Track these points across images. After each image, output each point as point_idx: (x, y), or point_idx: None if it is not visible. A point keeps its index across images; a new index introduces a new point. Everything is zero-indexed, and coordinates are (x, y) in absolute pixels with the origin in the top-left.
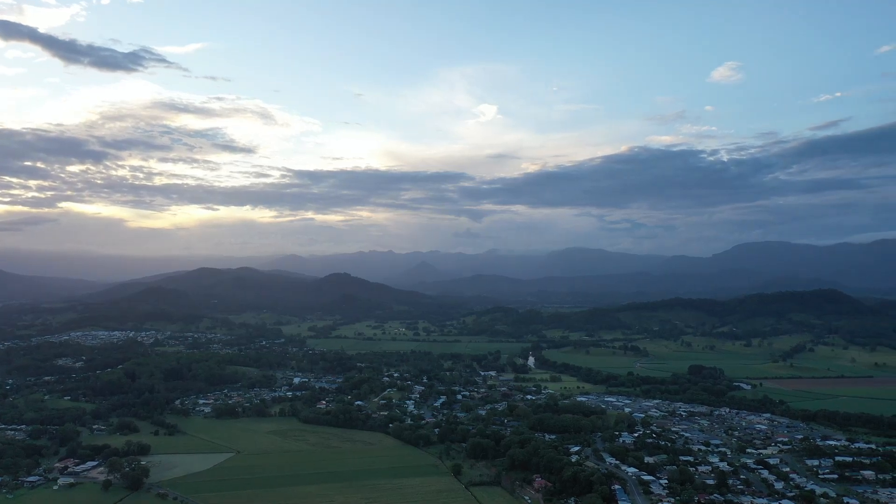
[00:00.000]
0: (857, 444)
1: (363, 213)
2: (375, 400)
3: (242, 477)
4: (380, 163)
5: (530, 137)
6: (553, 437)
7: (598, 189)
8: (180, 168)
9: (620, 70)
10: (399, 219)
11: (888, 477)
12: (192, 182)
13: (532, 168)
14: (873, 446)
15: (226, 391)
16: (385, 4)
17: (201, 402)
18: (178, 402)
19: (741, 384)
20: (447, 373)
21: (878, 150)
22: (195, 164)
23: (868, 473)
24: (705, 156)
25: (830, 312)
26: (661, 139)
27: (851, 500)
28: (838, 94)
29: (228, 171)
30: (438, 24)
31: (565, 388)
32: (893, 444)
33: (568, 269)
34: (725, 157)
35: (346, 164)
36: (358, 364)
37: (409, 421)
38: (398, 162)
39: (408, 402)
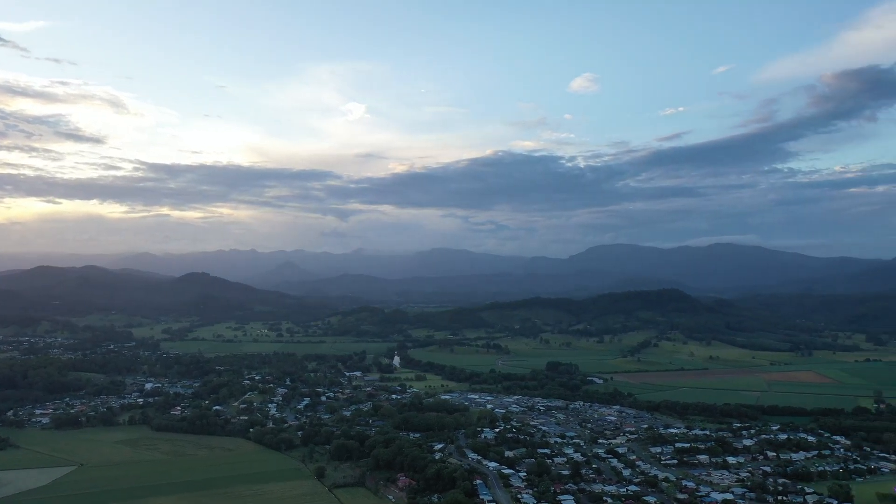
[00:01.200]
0: (693, 431)
1: (224, 210)
2: (235, 404)
3: (86, 491)
4: (243, 158)
5: (398, 138)
6: (418, 435)
7: (463, 191)
8: (16, 157)
9: (486, 76)
10: (263, 217)
11: (720, 460)
12: (29, 172)
13: (400, 168)
14: (707, 432)
15: (67, 400)
16: None
17: (38, 412)
18: (10, 413)
19: (594, 378)
20: (311, 374)
21: (714, 162)
22: (34, 153)
23: (703, 457)
24: (564, 161)
25: (673, 310)
26: (524, 144)
27: (689, 483)
28: (681, 109)
29: (73, 162)
30: (307, 18)
31: (430, 386)
32: (724, 430)
33: (434, 269)
34: (582, 164)
35: (206, 159)
36: (217, 367)
37: (270, 424)
38: (263, 158)
39: (270, 405)
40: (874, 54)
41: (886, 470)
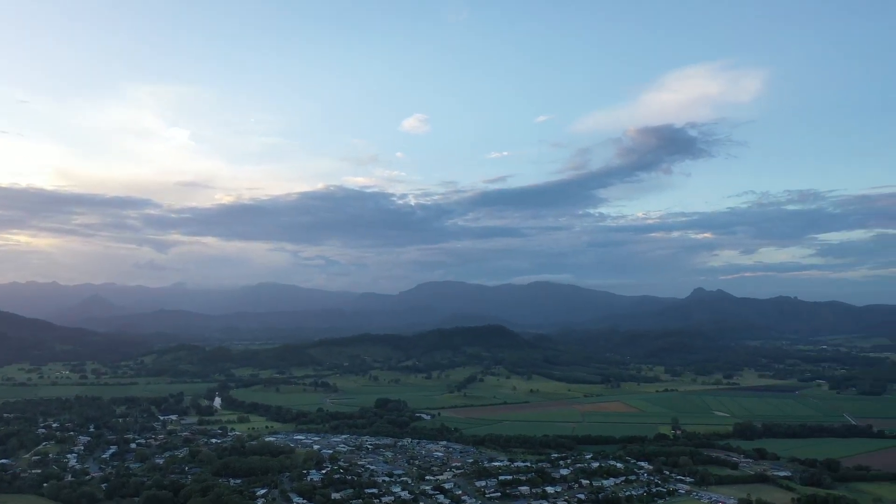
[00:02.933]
0: (516, 464)
1: (21, 238)
2: (27, 456)
3: None
4: (46, 181)
5: (225, 167)
6: (239, 481)
7: (293, 225)
8: None
9: (320, 109)
10: (67, 246)
11: (539, 490)
12: None
13: (226, 199)
14: (528, 464)
15: None
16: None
17: None
18: None
19: (422, 415)
20: (120, 419)
21: (535, 205)
22: None
23: (524, 489)
24: (395, 199)
25: (497, 346)
26: (356, 180)
27: None
28: (506, 154)
29: None
30: (128, 34)
31: (253, 428)
32: (543, 461)
33: (261, 304)
34: (413, 202)
35: (1, 180)
36: (4, 415)
37: (69, 477)
38: (70, 182)
39: (70, 455)
40: (670, 115)
41: (682, 491)
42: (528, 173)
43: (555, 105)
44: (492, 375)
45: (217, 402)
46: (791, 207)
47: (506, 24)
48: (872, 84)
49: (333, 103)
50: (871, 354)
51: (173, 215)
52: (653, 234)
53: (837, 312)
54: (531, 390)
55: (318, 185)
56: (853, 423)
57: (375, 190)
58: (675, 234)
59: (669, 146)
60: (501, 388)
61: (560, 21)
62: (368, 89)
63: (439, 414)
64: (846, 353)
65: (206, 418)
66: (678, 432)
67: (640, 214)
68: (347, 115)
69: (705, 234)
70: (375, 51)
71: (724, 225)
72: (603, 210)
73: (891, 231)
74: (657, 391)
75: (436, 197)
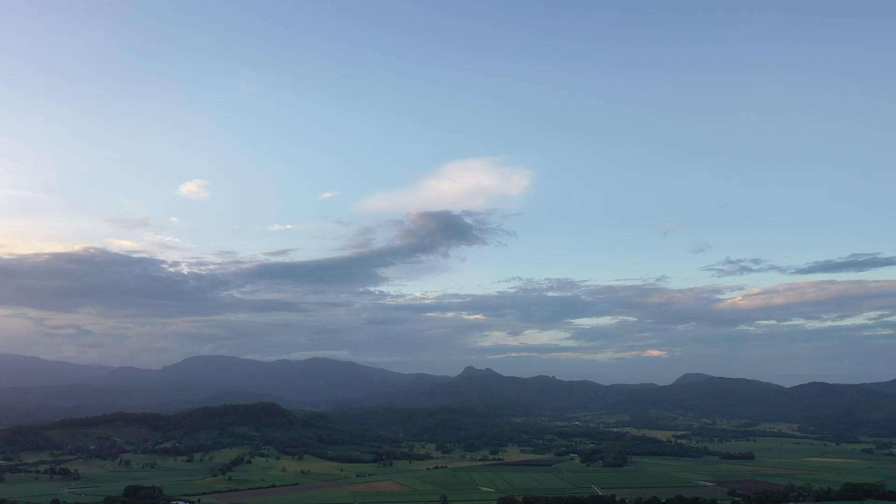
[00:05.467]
0: None
1: None
2: None
3: None
4: None
5: None
6: None
7: (41, 289)
8: None
9: (85, 163)
10: None
11: None
12: None
13: None
14: None
15: None
16: None
17: None
18: None
19: (180, 501)
20: None
21: (316, 280)
22: None
23: None
24: (166, 266)
25: (268, 424)
26: (123, 243)
27: None
28: (289, 227)
29: None
30: None
31: None
32: None
33: None
34: (186, 270)
35: None
36: None
37: None
38: None
39: None
40: (449, 202)
41: None
42: (311, 248)
43: (340, 183)
44: (261, 456)
45: None
46: (551, 294)
47: (297, 101)
48: (616, 192)
49: (102, 160)
50: (615, 429)
51: None
52: (429, 314)
53: (588, 390)
54: (302, 471)
55: (77, 247)
56: (600, 493)
57: (144, 255)
58: (450, 314)
59: (447, 231)
60: (271, 470)
61: (348, 104)
62: (145, 149)
63: (199, 500)
64: (595, 428)
65: None
66: None
67: (418, 294)
68: (118, 173)
69: (477, 316)
70: (155, 110)
71: (494, 307)
72: (383, 288)
73: (630, 318)
74: (428, 469)
75: (212, 266)
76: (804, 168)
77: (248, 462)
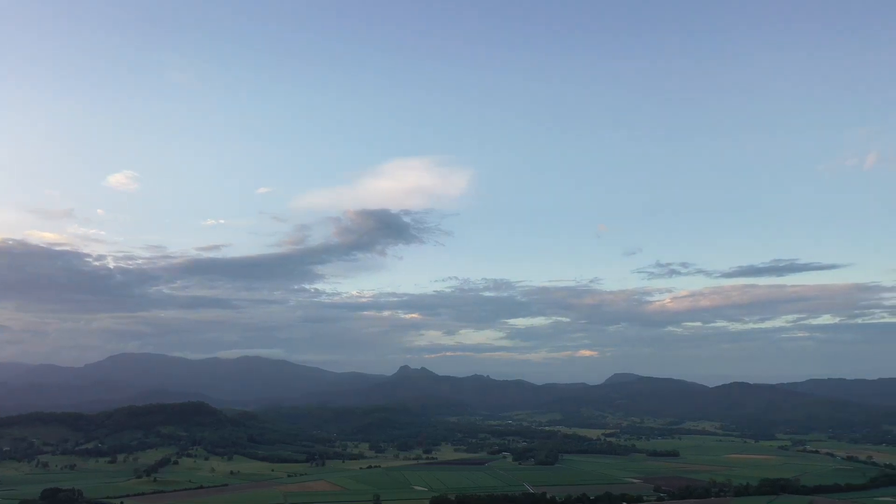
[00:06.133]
0: None
1: None
2: None
3: None
4: None
5: None
6: None
7: None
8: None
9: (4, 151)
10: None
11: None
12: None
13: None
14: None
15: None
16: None
17: None
18: None
19: (101, 503)
20: None
21: (250, 277)
22: None
23: None
24: (91, 260)
25: (197, 424)
26: (44, 235)
27: None
28: (222, 222)
29: None
30: None
31: None
32: None
33: None
34: (112, 265)
35: None
36: None
37: None
38: None
39: None
40: (387, 200)
41: None
42: (245, 244)
43: (278, 178)
44: (188, 457)
45: None
46: (487, 294)
47: (234, 92)
48: (552, 194)
49: (24, 148)
50: (547, 428)
51: None
52: (365, 313)
53: (522, 390)
54: (232, 472)
55: None
56: (531, 491)
57: (67, 248)
58: (386, 313)
59: (385, 230)
60: (198, 471)
61: (287, 97)
62: (70, 137)
63: (122, 503)
64: (527, 427)
65: None
66: None
67: (354, 292)
68: (41, 162)
69: (413, 315)
70: (82, 97)
71: (430, 306)
72: (319, 286)
73: (564, 319)
74: (361, 468)
75: (140, 261)
76: (730, 177)
77: (175, 463)
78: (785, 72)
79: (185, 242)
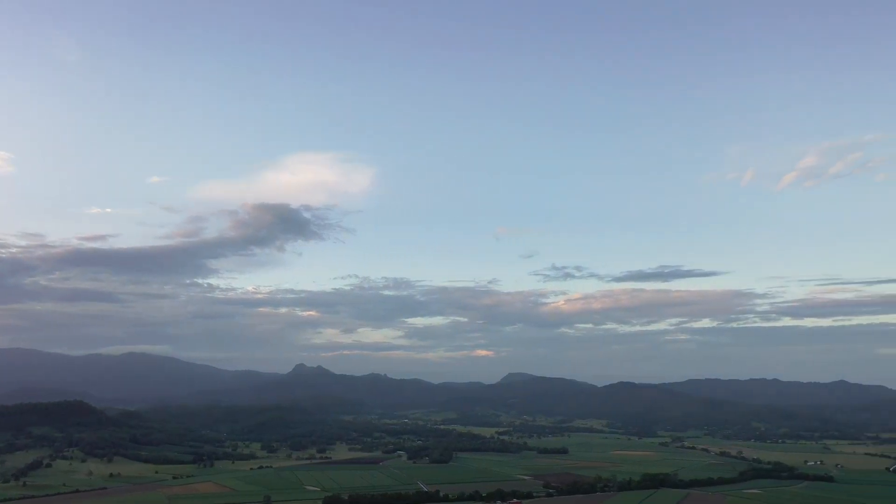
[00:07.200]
0: None
1: None
2: None
3: None
4: None
5: None
6: None
7: None
8: None
9: None
10: None
11: None
12: None
13: None
14: None
15: None
16: None
17: None
18: None
19: None
20: None
21: (138, 270)
22: None
23: None
24: None
25: (74, 424)
26: None
27: None
28: (110, 211)
29: None
30: None
31: None
32: None
33: None
34: None
35: None
36: None
37: None
38: None
39: None
40: (287, 195)
41: None
42: (134, 235)
43: (172, 167)
44: (63, 459)
45: None
46: (387, 293)
47: (125, 74)
48: (455, 196)
49: None
50: (442, 427)
51: None
52: (261, 309)
53: (419, 389)
54: (112, 474)
55: None
56: (425, 489)
57: None
58: (283, 310)
59: (284, 225)
60: (74, 474)
61: (183, 83)
62: None
63: None
64: (423, 425)
65: None
66: None
67: (250, 288)
68: None
69: (311, 312)
70: None
71: (329, 304)
72: (213, 281)
73: (462, 319)
74: (252, 468)
75: (14, 250)
76: (623, 186)
77: (49, 466)
78: (676, 87)
79: (66, 231)
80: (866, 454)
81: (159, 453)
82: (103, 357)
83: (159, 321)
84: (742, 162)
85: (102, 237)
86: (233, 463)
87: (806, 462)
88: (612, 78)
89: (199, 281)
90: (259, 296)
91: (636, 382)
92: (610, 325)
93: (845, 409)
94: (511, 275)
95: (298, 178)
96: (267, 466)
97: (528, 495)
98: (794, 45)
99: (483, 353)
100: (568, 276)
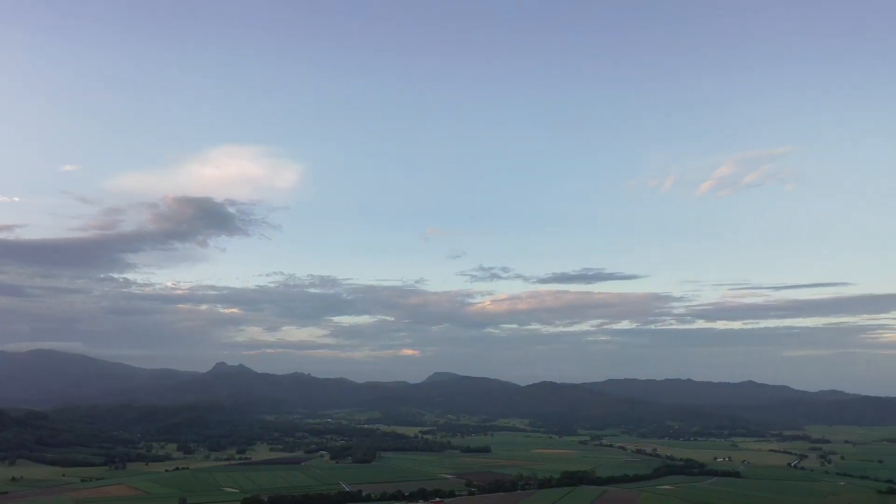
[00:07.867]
0: None
1: None
2: None
3: None
4: None
5: None
6: None
7: None
8: None
9: None
10: None
11: None
12: None
13: None
14: None
15: None
16: None
17: None
18: None
19: None
20: None
21: (47, 262)
22: None
23: None
24: None
25: None
26: None
27: None
28: (17, 199)
29: None
30: None
31: None
32: None
33: None
34: None
35: None
36: None
37: None
38: None
39: None
40: (211, 188)
41: None
42: (44, 225)
43: (87, 155)
44: None
45: None
46: (313, 290)
47: (36, 54)
48: (383, 194)
49: None
50: (367, 426)
51: None
52: (180, 306)
53: (343, 388)
54: (14, 478)
55: None
56: (347, 489)
57: None
58: (204, 307)
59: (207, 219)
60: None
61: (100, 66)
62: None
63: None
64: (347, 425)
65: None
66: None
67: (169, 284)
68: None
69: (233, 310)
70: None
71: (252, 301)
72: (129, 276)
73: (388, 318)
74: (167, 470)
75: None
76: (549, 189)
77: None
78: (602, 92)
79: None
80: (771, 451)
81: (67, 455)
82: (7, 354)
83: (70, 317)
84: (663, 169)
85: (9, 227)
86: (147, 465)
87: (715, 459)
88: (541, 79)
89: (115, 275)
90: (179, 292)
91: (558, 382)
92: (534, 326)
93: (752, 408)
94: (438, 275)
95: (223, 171)
96: (183, 468)
97: (451, 494)
98: (713, 59)
99: (409, 352)
100: (495, 276)
